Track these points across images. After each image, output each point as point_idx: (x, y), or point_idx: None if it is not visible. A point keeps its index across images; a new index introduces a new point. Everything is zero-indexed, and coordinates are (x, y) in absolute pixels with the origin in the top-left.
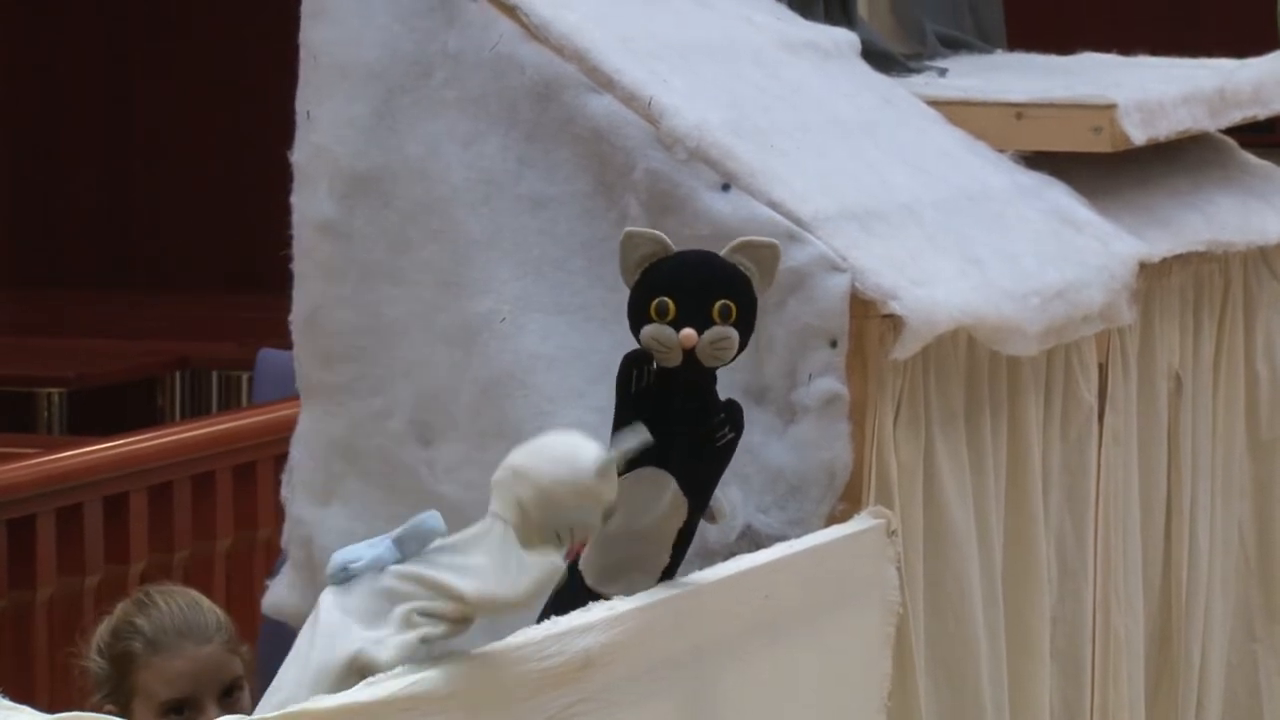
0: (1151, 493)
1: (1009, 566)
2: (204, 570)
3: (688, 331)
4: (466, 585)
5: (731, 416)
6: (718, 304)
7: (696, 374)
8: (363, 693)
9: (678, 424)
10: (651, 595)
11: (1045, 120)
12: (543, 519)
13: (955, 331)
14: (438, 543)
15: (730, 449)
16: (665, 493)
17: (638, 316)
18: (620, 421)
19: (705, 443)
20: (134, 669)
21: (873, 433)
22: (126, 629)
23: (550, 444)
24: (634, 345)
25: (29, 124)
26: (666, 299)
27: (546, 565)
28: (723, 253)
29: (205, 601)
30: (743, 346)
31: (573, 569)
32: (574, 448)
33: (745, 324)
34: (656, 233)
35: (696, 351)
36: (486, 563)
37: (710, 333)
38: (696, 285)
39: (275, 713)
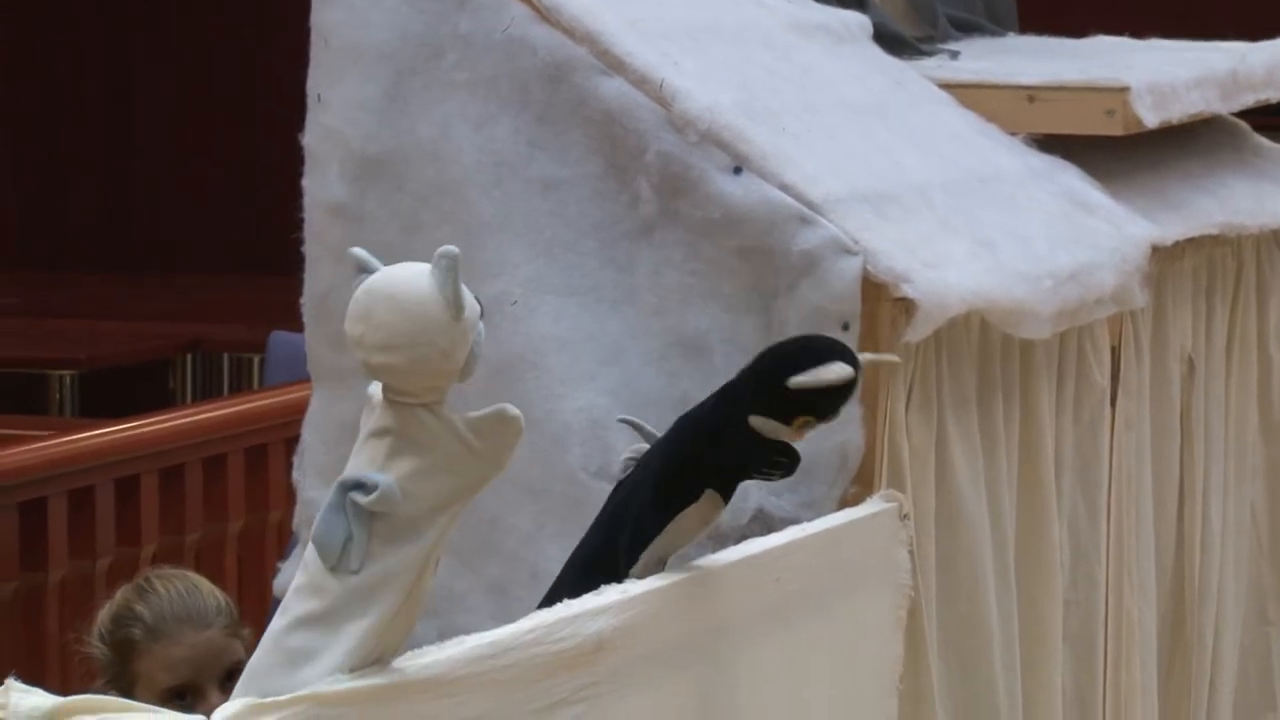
0: (1164, 476)
1: (1021, 550)
2: (215, 553)
3: (798, 435)
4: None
5: (790, 467)
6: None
7: None
8: (376, 676)
9: (740, 460)
10: (663, 578)
11: (1057, 103)
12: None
13: (967, 314)
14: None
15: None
16: (719, 511)
17: (776, 410)
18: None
19: (757, 474)
20: (135, 656)
21: (885, 416)
22: (127, 616)
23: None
24: (649, 327)
25: (35, 105)
26: (813, 420)
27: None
28: (865, 361)
29: (205, 585)
30: None
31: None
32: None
33: None
34: (851, 372)
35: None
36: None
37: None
38: (836, 412)
39: (285, 696)
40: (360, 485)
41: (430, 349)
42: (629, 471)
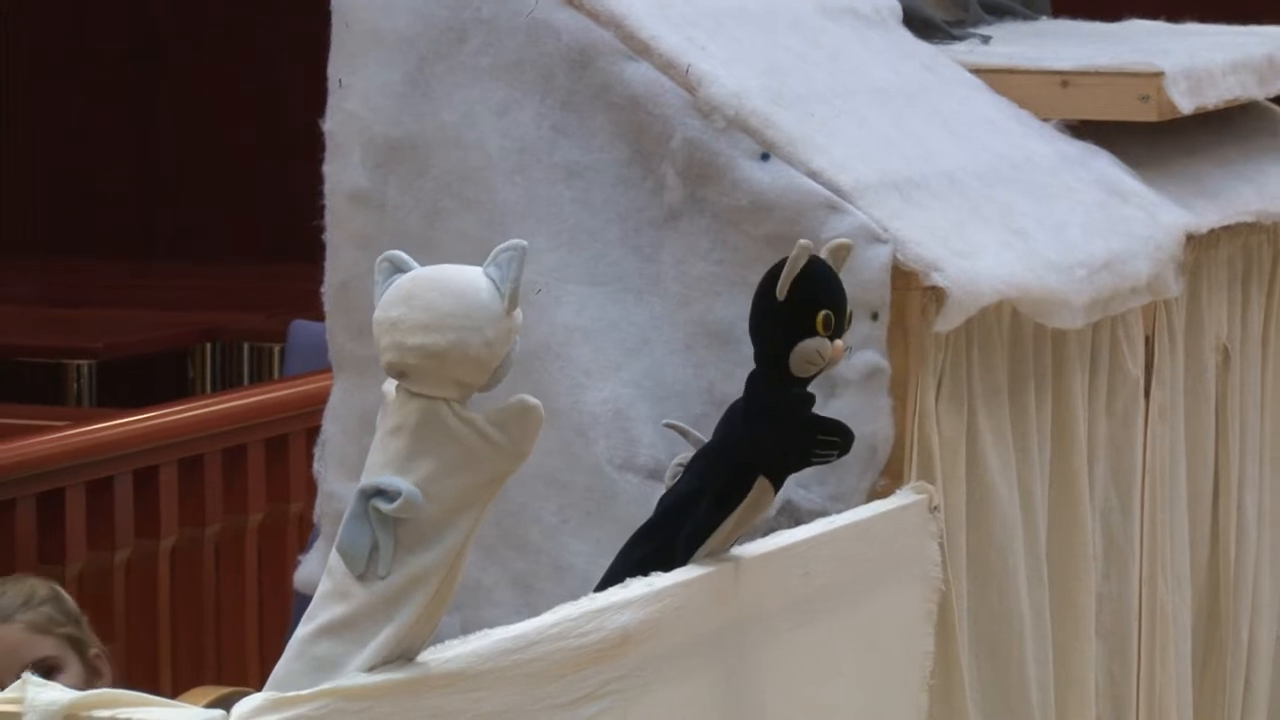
0: (1199, 467)
1: (1054, 543)
2: (235, 545)
3: (839, 345)
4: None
5: (845, 442)
6: (849, 311)
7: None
8: (398, 671)
9: (796, 438)
10: (690, 571)
11: (1091, 88)
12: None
13: (999, 304)
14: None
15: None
16: (767, 498)
17: (800, 329)
18: (789, 460)
19: (808, 458)
20: None
21: (915, 407)
22: None
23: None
24: (674, 317)
25: (55, 94)
26: (831, 313)
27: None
28: (823, 254)
29: (31, 582)
30: None
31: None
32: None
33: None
34: (807, 242)
35: (835, 360)
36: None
37: (845, 339)
38: (843, 296)
39: (307, 691)
40: (382, 492)
41: (474, 335)
42: (678, 479)
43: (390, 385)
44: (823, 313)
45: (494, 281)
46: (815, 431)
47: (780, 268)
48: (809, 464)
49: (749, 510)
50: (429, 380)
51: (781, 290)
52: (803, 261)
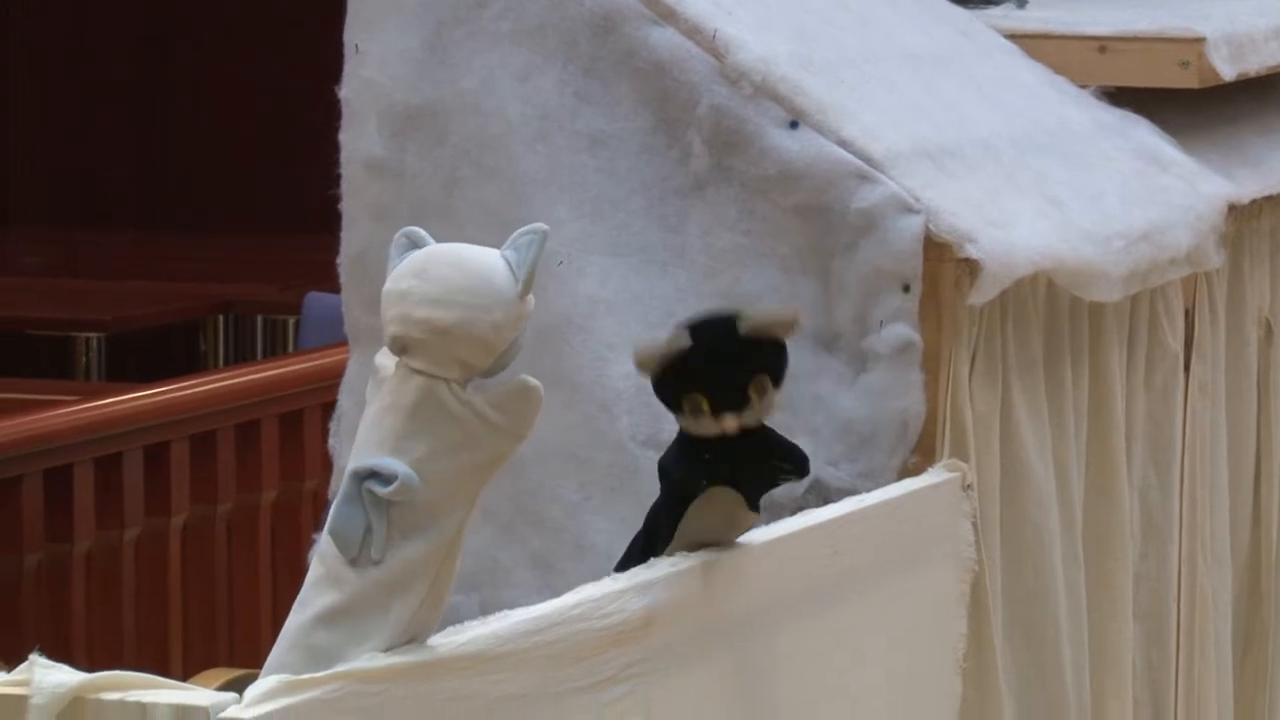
0: (1240, 444)
1: (1090, 522)
2: (248, 523)
3: (729, 421)
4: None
5: (798, 468)
6: (753, 385)
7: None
8: (415, 653)
9: (749, 472)
10: (715, 552)
11: (1130, 54)
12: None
13: (1034, 276)
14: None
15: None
16: (737, 512)
17: (668, 406)
18: (684, 482)
19: (772, 479)
20: None
21: (947, 382)
22: None
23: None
24: (700, 289)
25: (65, 60)
26: (700, 399)
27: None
28: (743, 330)
29: None
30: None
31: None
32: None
33: (779, 376)
34: (682, 334)
35: (742, 426)
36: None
37: (750, 412)
38: (724, 375)
39: (323, 673)
40: (377, 475)
41: (483, 314)
42: None
43: (384, 356)
44: (686, 399)
45: (510, 264)
46: (768, 450)
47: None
48: (773, 483)
49: (719, 525)
50: (431, 357)
51: (635, 359)
52: (668, 347)
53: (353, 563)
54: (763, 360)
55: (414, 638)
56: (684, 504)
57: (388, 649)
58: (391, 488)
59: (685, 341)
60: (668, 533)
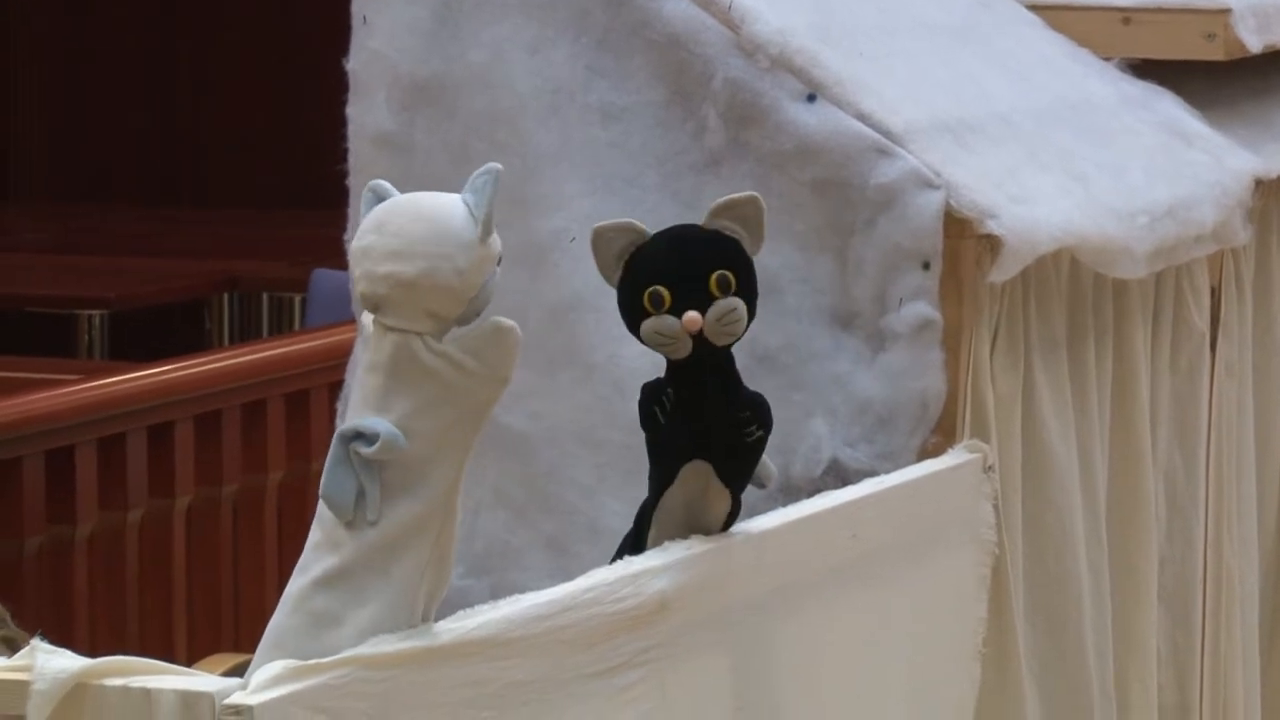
0: (1267, 425)
1: (1114, 504)
2: (254, 505)
3: (691, 315)
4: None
5: (758, 414)
6: (714, 277)
7: (713, 359)
8: (423, 638)
9: (711, 417)
10: (731, 534)
11: (1154, 25)
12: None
13: (1057, 252)
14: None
15: (761, 444)
16: (709, 483)
17: (633, 314)
18: (659, 457)
19: (734, 440)
20: None
21: (968, 361)
22: None
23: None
24: None
25: (67, 33)
26: (659, 288)
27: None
28: (703, 221)
29: None
30: (751, 315)
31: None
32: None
33: (748, 290)
34: (628, 221)
35: (705, 333)
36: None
37: (714, 309)
38: (685, 264)
39: (329, 658)
40: (361, 435)
41: (445, 263)
42: None
43: (367, 318)
44: (648, 291)
45: (469, 207)
46: (730, 408)
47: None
48: (746, 446)
49: (694, 501)
50: (401, 312)
51: (608, 277)
52: (615, 245)
53: (349, 526)
54: (725, 258)
55: (419, 603)
56: (663, 488)
57: (391, 613)
58: (375, 447)
59: (644, 236)
60: (647, 522)
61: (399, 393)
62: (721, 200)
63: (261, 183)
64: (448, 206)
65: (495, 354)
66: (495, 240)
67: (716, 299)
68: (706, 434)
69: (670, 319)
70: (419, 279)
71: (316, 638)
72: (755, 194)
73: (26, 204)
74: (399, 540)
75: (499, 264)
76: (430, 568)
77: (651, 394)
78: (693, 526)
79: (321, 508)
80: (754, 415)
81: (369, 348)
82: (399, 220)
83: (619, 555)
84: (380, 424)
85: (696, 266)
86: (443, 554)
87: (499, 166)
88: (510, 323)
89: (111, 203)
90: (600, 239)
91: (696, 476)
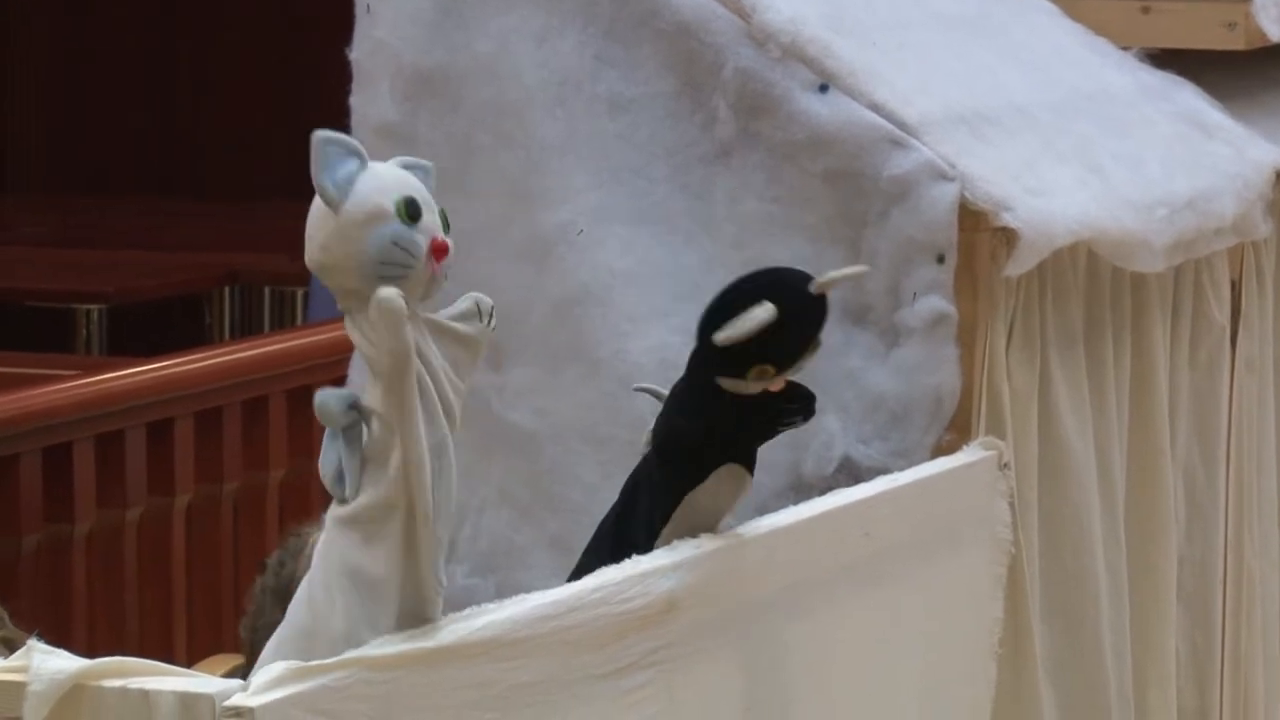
0: None
1: (1132, 502)
2: (255, 503)
3: (778, 380)
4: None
5: (805, 406)
6: (810, 345)
7: None
8: (427, 638)
9: (755, 415)
10: (741, 533)
11: (1174, 14)
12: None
13: (1074, 246)
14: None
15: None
16: (743, 484)
17: (724, 367)
18: (694, 457)
19: (774, 429)
20: None
21: (983, 356)
22: None
23: None
24: (726, 260)
25: (66, 25)
26: (770, 368)
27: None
28: (815, 286)
29: None
30: None
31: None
32: None
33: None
34: (770, 309)
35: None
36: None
37: (796, 368)
38: (801, 349)
39: (331, 660)
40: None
41: (311, 244)
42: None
43: None
44: (755, 368)
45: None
46: (770, 400)
47: (738, 294)
48: (773, 433)
49: (710, 498)
50: (336, 299)
51: (721, 339)
52: (758, 324)
53: (340, 501)
54: (819, 322)
55: (390, 596)
56: (695, 479)
57: (360, 604)
58: (315, 408)
59: (770, 314)
60: (662, 514)
61: (360, 368)
62: (837, 274)
63: (263, 173)
64: None
65: (379, 327)
66: (358, 205)
67: (801, 363)
68: (746, 432)
69: (760, 383)
70: (310, 262)
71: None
72: (865, 269)
73: (24, 197)
74: (368, 519)
75: (402, 220)
76: (404, 555)
77: (701, 398)
78: (709, 526)
79: None
80: (800, 407)
81: None
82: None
83: (597, 555)
84: (327, 392)
85: (804, 346)
86: (418, 545)
87: (331, 134)
88: (388, 292)
89: (110, 194)
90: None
91: (731, 477)
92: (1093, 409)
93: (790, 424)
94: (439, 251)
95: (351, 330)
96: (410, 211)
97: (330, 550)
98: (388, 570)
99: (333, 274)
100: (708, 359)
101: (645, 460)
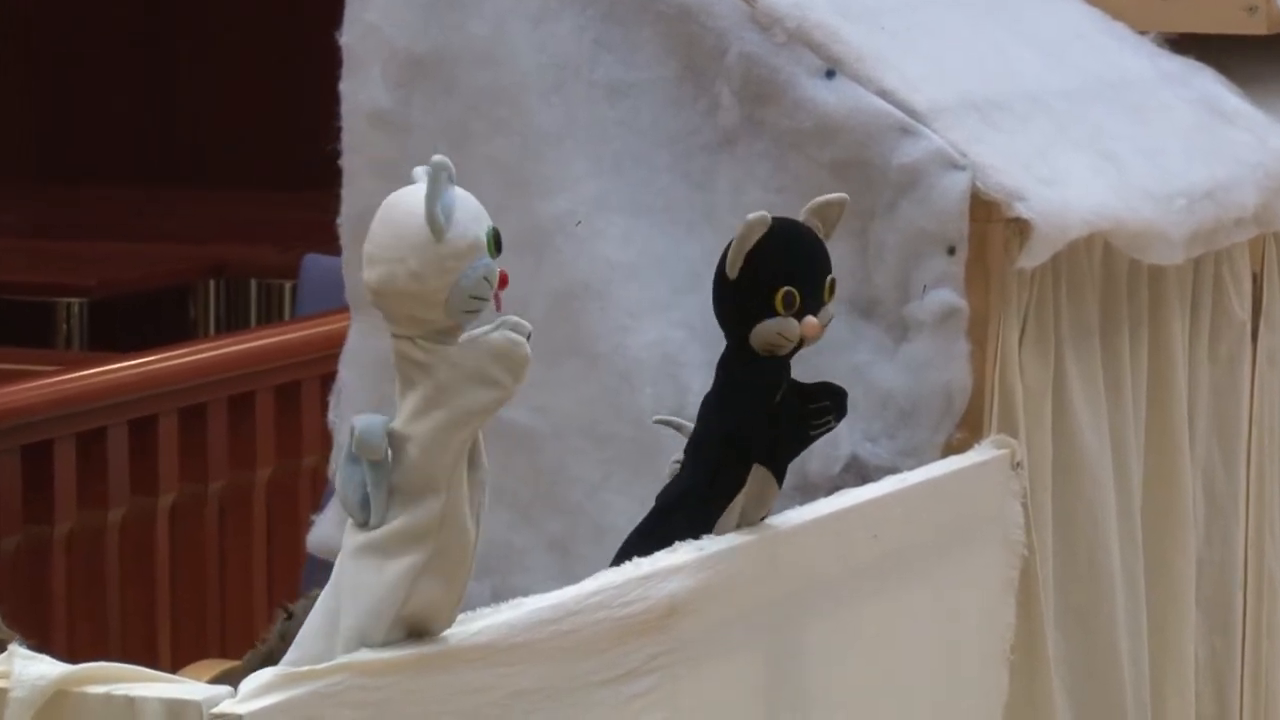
0: None
1: (1150, 503)
2: (241, 503)
3: (812, 322)
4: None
5: (837, 405)
6: (828, 281)
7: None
8: (421, 644)
9: (786, 416)
10: (745, 535)
11: None
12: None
13: (1090, 237)
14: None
15: (828, 430)
16: (766, 487)
17: (754, 311)
18: (732, 460)
19: (805, 433)
20: None
21: (995, 351)
22: None
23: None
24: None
25: (51, 12)
26: (793, 290)
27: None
28: (801, 216)
29: None
30: None
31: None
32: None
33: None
34: (762, 214)
35: (809, 338)
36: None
37: (824, 313)
38: (812, 267)
39: (321, 665)
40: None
41: (400, 268)
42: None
43: None
44: (782, 291)
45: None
46: (799, 400)
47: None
48: (806, 439)
49: (750, 505)
50: (389, 317)
51: (731, 268)
52: (755, 237)
53: (360, 526)
54: (823, 253)
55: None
56: (735, 485)
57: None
58: (351, 441)
59: (762, 219)
60: (703, 520)
61: (404, 394)
62: (819, 200)
63: (250, 163)
64: (411, 205)
65: (500, 366)
66: (459, 236)
67: (825, 304)
68: (775, 435)
69: (793, 322)
70: (380, 286)
71: (328, 636)
72: (845, 195)
73: (1, 185)
74: (398, 543)
75: (491, 254)
76: (426, 579)
77: (771, 379)
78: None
79: None
80: (832, 405)
81: None
82: (375, 224)
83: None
84: (368, 419)
85: (820, 271)
86: (454, 563)
87: (445, 160)
88: (518, 338)
89: (92, 184)
90: (751, 231)
91: (758, 480)
92: (1109, 406)
93: (824, 424)
94: (503, 283)
95: (415, 351)
96: (497, 244)
97: (343, 574)
98: (400, 595)
99: (411, 301)
100: (731, 313)
101: (676, 480)
